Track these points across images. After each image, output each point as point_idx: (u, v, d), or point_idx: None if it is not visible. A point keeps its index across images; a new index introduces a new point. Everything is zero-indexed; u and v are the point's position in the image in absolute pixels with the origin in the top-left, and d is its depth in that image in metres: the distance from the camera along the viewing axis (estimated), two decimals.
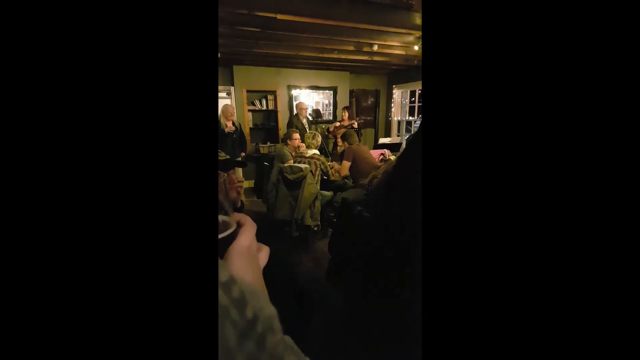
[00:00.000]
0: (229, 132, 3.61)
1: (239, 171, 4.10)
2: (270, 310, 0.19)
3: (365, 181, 1.62)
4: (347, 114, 4.35)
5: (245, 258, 0.30)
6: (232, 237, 0.33)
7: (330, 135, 4.36)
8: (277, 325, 0.20)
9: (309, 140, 2.91)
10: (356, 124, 4.22)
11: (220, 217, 0.34)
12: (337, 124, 4.32)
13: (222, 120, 3.65)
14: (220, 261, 0.20)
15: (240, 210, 1.37)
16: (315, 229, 2.78)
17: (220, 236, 0.32)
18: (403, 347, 1.22)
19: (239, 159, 3.91)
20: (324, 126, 4.73)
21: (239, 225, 0.33)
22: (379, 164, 2.97)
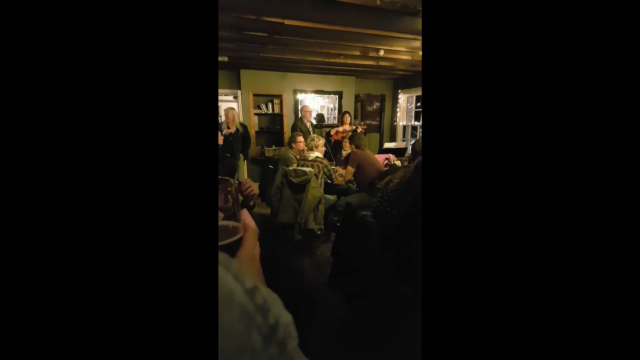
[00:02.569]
0: (226, 135, 3.67)
1: (244, 174, 4.13)
2: (287, 317, 0.20)
3: (382, 183, 1.64)
4: (348, 119, 4.36)
5: (251, 263, 0.31)
6: (240, 242, 0.34)
7: (332, 140, 4.37)
8: (293, 332, 0.20)
9: (311, 143, 2.93)
10: (360, 128, 4.22)
11: (230, 223, 0.35)
12: (340, 129, 4.33)
13: (224, 126, 3.72)
14: (244, 268, 0.21)
15: (252, 208, 1.39)
16: (319, 232, 2.78)
17: (228, 241, 0.33)
18: (403, 348, 1.20)
19: (239, 160, 3.95)
20: (328, 130, 4.74)
21: (245, 230, 0.34)
22: (385, 169, 2.96)
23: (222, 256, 0.20)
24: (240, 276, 0.19)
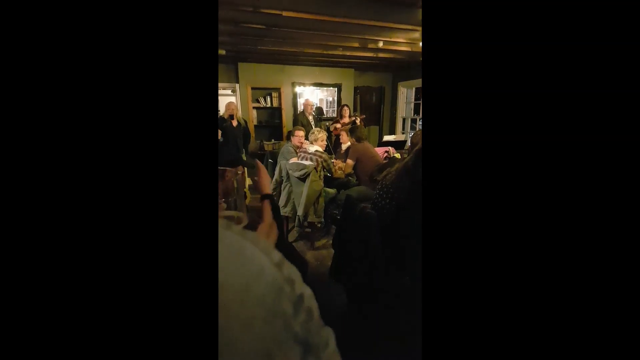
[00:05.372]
0: (231, 127, 3.65)
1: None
2: (308, 290, 0.21)
3: (381, 176, 1.66)
4: (347, 111, 4.35)
5: None
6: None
7: (332, 134, 4.37)
8: (315, 303, 0.21)
9: (311, 137, 2.93)
10: (358, 120, 4.21)
11: (234, 213, 0.36)
12: (338, 125, 4.32)
13: (226, 116, 3.69)
14: (270, 243, 0.21)
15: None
16: (319, 225, 2.80)
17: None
18: (403, 345, 1.22)
19: (244, 156, 3.95)
20: (327, 123, 4.73)
21: (262, 220, 0.35)
22: (385, 162, 2.97)
23: (250, 234, 0.21)
24: (267, 251, 0.20)
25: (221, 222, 0.22)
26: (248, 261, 0.19)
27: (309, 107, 4.30)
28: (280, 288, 0.19)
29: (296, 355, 0.18)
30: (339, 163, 3.16)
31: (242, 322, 0.16)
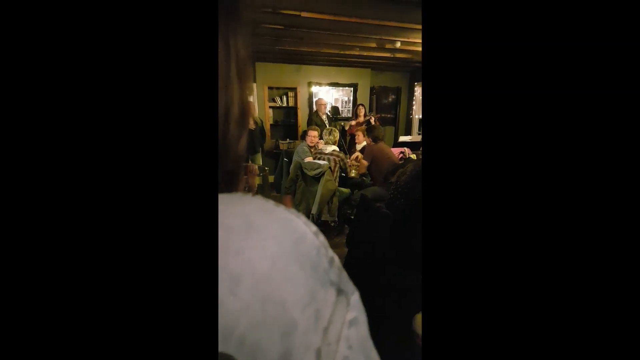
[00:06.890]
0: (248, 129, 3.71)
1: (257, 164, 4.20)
2: (337, 257, 0.26)
3: (394, 178, 1.66)
4: (362, 111, 4.34)
5: None
6: None
7: (347, 133, 4.38)
8: (342, 268, 0.26)
9: (327, 137, 2.94)
10: (373, 119, 4.19)
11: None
12: (353, 122, 4.33)
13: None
14: (304, 219, 0.26)
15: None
16: (332, 224, 2.81)
17: None
18: (405, 345, 1.21)
19: (258, 154, 4.01)
20: (342, 123, 4.73)
21: None
22: (400, 162, 2.95)
23: (294, 211, 0.26)
24: (307, 223, 0.25)
25: (273, 202, 0.26)
26: (294, 227, 0.24)
27: (323, 107, 4.32)
28: (319, 249, 0.24)
29: (332, 294, 0.23)
30: (358, 155, 3.08)
31: (299, 265, 0.22)
